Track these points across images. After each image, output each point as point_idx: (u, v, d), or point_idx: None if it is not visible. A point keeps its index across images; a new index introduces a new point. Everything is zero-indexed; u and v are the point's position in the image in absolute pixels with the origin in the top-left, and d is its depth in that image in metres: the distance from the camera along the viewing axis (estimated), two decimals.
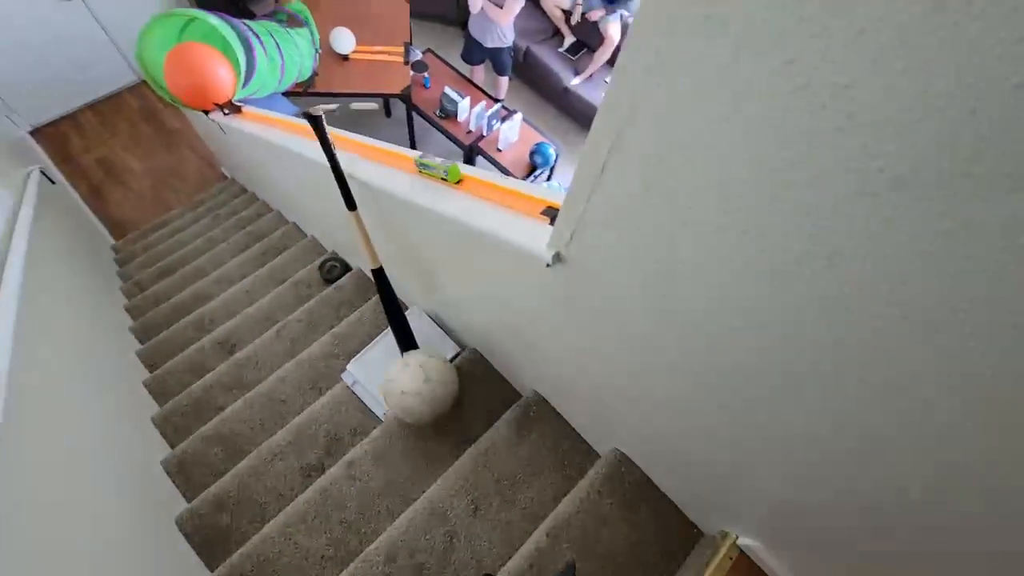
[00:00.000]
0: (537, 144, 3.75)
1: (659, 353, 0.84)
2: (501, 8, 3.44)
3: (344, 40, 3.54)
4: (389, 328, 1.78)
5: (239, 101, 2.54)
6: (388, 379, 1.59)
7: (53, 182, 3.01)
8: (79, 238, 3.13)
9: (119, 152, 4.03)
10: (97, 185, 3.89)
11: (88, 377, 1.87)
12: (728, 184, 0.55)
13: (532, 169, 3.81)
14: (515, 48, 3.93)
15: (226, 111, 2.31)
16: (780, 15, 0.42)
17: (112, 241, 3.62)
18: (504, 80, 4.19)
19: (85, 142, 4.03)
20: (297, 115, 3.54)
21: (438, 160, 1.25)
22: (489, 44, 3.78)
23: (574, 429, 1.59)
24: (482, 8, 3.48)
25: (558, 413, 1.60)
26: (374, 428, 1.72)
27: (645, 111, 0.58)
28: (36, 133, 3.99)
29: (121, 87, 4.21)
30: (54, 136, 4.01)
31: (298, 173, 2.12)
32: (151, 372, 2.22)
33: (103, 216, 3.77)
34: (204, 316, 2.41)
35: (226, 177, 3.98)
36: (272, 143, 1.97)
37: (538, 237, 0.92)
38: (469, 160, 4.05)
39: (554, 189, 4.08)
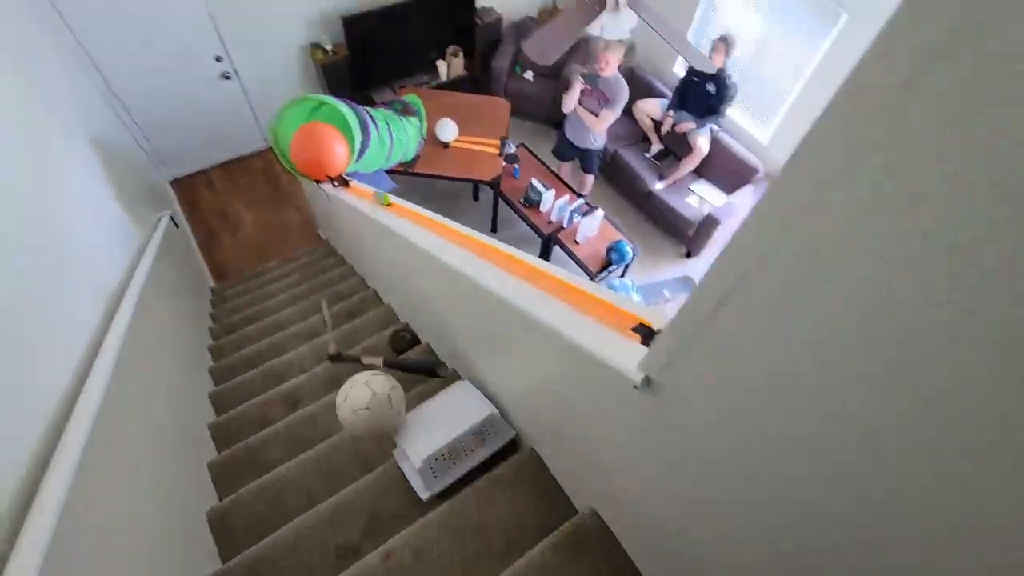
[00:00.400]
0: (615, 241, 3.78)
1: (746, 488, 0.75)
2: (596, 117, 3.62)
3: (448, 130, 3.84)
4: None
5: (348, 175, 2.78)
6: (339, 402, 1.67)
7: (177, 226, 3.35)
8: (187, 276, 3.43)
9: (236, 206, 4.48)
10: (212, 232, 4.32)
11: (167, 411, 1.95)
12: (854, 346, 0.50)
13: (607, 264, 3.81)
14: (604, 150, 4.09)
15: (335, 183, 2.52)
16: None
17: (212, 283, 3.94)
18: (590, 178, 4.34)
19: (211, 194, 4.53)
20: (395, 190, 3.82)
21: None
22: (580, 145, 3.96)
23: (635, 566, 1.41)
24: (577, 114, 3.68)
25: (617, 542, 1.44)
26: (417, 515, 1.63)
27: (774, 262, 0.54)
28: (175, 182, 4.55)
29: (251, 151, 4.76)
30: (188, 186, 4.55)
31: (387, 248, 2.23)
32: (217, 416, 2.29)
33: (211, 260, 4.14)
34: (275, 368, 2.49)
35: (320, 238, 4.28)
36: (369, 217, 2.09)
37: (626, 353, 0.86)
38: (546, 248, 4.13)
39: (624, 288, 4.05)
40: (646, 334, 0.85)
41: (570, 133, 3.93)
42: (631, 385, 0.81)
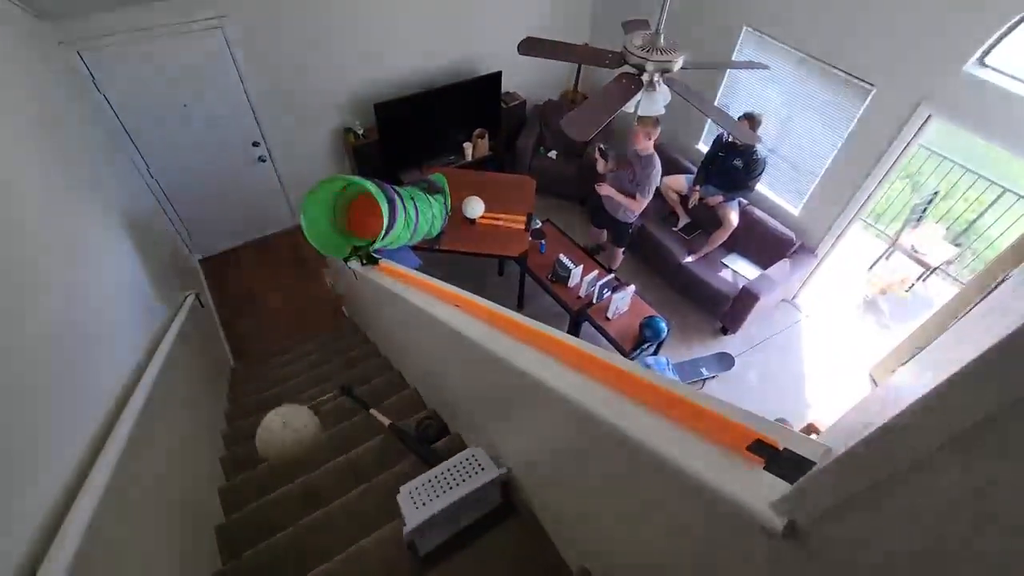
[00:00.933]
0: (649, 318, 3.59)
1: None
2: (634, 199, 3.65)
3: (474, 207, 3.83)
4: None
5: (375, 252, 2.70)
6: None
7: (203, 305, 3.29)
8: (207, 356, 3.31)
9: (263, 284, 4.46)
10: (238, 309, 4.26)
11: (171, 507, 1.74)
12: None
13: (640, 341, 3.61)
14: (632, 225, 4.03)
15: (364, 261, 2.43)
16: None
17: (232, 363, 3.81)
18: (619, 252, 4.26)
19: (239, 272, 4.53)
20: (419, 266, 3.75)
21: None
22: (612, 213, 3.96)
23: None
24: (614, 198, 3.71)
25: None
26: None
27: None
28: (204, 261, 4.57)
29: (280, 230, 4.81)
30: (217, 264, 4.56)
31: (415, 330, 2.08)
32: (226, 516, 2.05)
33: (234, 338, 4.04)
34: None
35: (345, 315, 4.18)
36: (398, 296, 1.97)
37: (743, 481, 0.66)
38: (575, 324, 3.95)
39: (660, 365, 3.80)
40: (771, 456, 0.66)
41: (607, 204, 3.93)
42: (764, 530, 0.60)
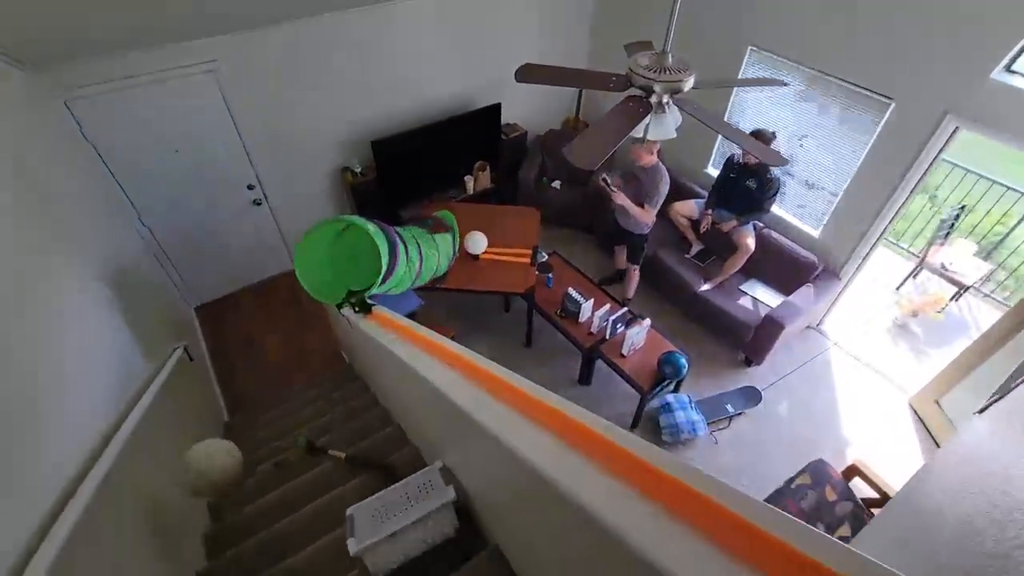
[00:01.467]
0: (667, 353, 3.35)
1: None
2: (642, 208, 3.53)
3: (478, 242, 3.66)
4: None
5: (371, 299, 2.51)
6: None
7: (192, 359, 3.10)
8: (196, 411, 3.10)
9: (260, 330, 4.28)
10: (233, 359, 4.07)
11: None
12: None
13: (659, 380, 3.35)
14: (647, 239, 3.89)
15: (357, 309, 2.24)
16: None
17: (227, 417, 3.59)
18: (635, 272, 4.08)
19: (235, 319, 4.36)
20: (421, 307, 3.55)
21: None
22: (624, 225, 3.84)
23: None
24: (624, 208, 3.57)
25: None
26: None
27: None
28: (200, 308, 4.42)
29: (277, 273, 4.66)
30: (213, 312, 4.40)
31: (408, 388, 1.86)
32: None
33: (230, 389, 3.84)
34: (276, 539, 2.03)
35: (344, 360, 3.98)
36: (392, 352, 1.76)
37: None
38: (588, 363, 3.72)
39: (682, 404, 3.52)
40: None
41: (619, 214, 3.82)
42: None
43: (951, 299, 4.21)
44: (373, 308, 2.24)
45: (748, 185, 3.71)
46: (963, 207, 4.31)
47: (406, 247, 2.94)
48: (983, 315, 4.41)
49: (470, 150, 4.68)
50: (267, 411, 3.43)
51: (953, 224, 4.30)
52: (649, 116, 1.95)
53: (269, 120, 3.79)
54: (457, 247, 3.52)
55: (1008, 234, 4.40)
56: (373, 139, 4.05)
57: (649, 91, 1.94)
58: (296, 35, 3.53)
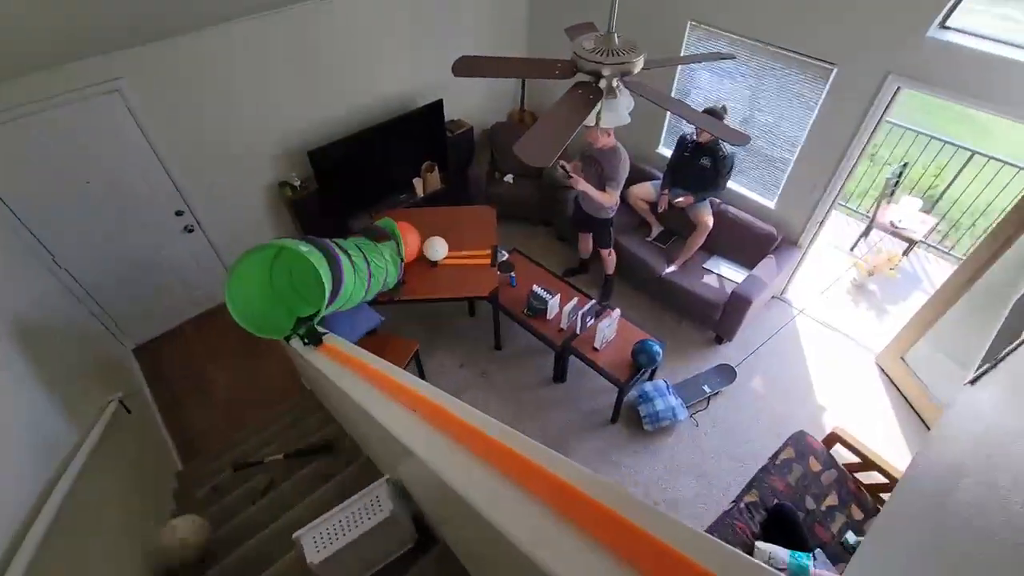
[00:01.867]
0: (641, 342, 3.27)
1: None
2: (604, 192, 3.45)
3: (437, 248, 3.50)
4: None
5: (324, 324, 2.31)
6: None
7: (129, 411, 2.80)
8: (142, 467, 2.81)
9: (209, 365, 3.97)
10: (181, 400, 3.76)
11: None
12: None
13: (636, 369, 3.28)
14: (612, 221, 3.80)
15: (306, 341, 2.03)
16: None
17: (179, 466, 3.30)
18: (607, 255, 4.03)
19: (180, 356, 4.03)
20: (381, 325, 3.36)
21: None
22: (587, 210, 3.74)
23: None
24: (586, 193, 3.49)
25: None
26: None
27: None
28: (139, 349, 4.05)
29: (222, 301, 4.32)
30: (153, 351, 4.06)
31: (367, 424, 1.69)
32: None
33: (180, 435, 3.54)
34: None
35: (305, 389, 3.73)
36: (344, 393, 1.57)
37: None
38: (561, 361, 3.61)
39: (660, 391, 3.46)
40: None
41: (581, 198, 3.73)
42: None
43: (903, 255, 4.31)
44: (323, 339, 2.03)
45: (703, 163, 3.66)
46: (905, 164, 4.41)
47: (350, 257, 2.75)
48: (933, 267, 4.55)
49: (415, 151, 4.46)
50: (219, 457, 3.15)
51: (898, 182, 4.40)
52: (600, 102, 1.82)
53: (191, 138, 3.47)
54: (402, 253, 3.34)
55: (947, 188, 4.54)
56: (309, 149, 3.78)
57: (598, 76, 1.81)
58: (210, 43, 3.22)
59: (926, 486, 1.15)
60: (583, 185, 3.42)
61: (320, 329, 2.14)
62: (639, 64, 1.79)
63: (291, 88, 3.72)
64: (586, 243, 4.18)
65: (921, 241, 4.34)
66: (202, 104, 3.40)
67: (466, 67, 2.01)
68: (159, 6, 2.71)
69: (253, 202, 4.06)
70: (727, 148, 3.61)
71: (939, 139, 4.35)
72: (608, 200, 3.47)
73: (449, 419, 1.28)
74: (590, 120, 1.87)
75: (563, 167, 3.41)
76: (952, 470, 1.03)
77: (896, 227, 4.25)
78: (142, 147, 3.31)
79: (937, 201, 4.69)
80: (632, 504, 0.89)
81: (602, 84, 1.83)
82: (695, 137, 3.68)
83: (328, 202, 4.10)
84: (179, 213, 3.71)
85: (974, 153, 4.21)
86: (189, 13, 2.96)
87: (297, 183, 4.02)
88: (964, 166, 4.31)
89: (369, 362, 1.72)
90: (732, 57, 2.13)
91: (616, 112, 1.95)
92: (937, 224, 4.48)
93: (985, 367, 1.28)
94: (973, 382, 1.29)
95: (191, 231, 3.81)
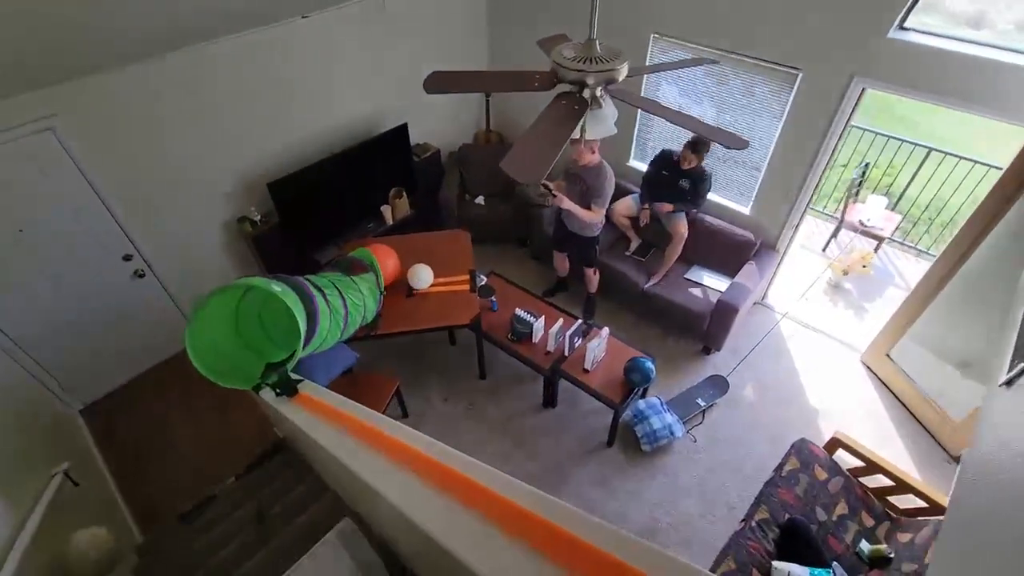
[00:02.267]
0: (633, 360, 3.16)
1: None
2: (589, 210, 3.39)
3: (422, 276, 3.36)
4: None
5: (297, 370, 2.09)
6: None
7: (77, 484, 2.48)
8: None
9: (169, 421, 3.63)
10: (139, 463, 3.40)
11: None
12: None
13: (630, 389, 3.15)
14: (598, 239, 3.72)
15: (279, 391, 1.81)
16: None
17: (139, 538, 2.96)
18: (592, 273, 3.91)
19: (135, 414, 3.68)
20: (358, 361, 3.15)
21: None
22: (571, 228, 3.64)
23: None
24: (571, 212, 3.43)
25: None
26: None
27: None
28: (88, 410, 3.68)
29: (180, 350, 4.00)
30: (105, 411, 3.69)
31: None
32: None
33: (136, 503, 3.19)
34: None
35: (281, 438, 3.44)
36: (329, 454, 1.38)
37: None
38: (550, 386, 3.45)
39: (655, 409, 3.33)
40: None
41: (564, 216, 3.63)
42: None
43: (874, 251, 4.38)
44: (298, 388, 1.82)
45: (682, 185, 3.66)
46: (867, 164, 4.52)
47: (324, 295, 2.54)
48: (902, 262, 4.65)
49: (382, 177, 4.30)
50: (185, 525, 2.83)
51: (861, 181, 4.50)
52: (587, 114, 1.72)
53: (136, 177, 3.21)
54: (382, 286, 3.15)
55: (908, 184, 4.67)
56: (269, 181, 3.57)
57: (581, 85, 1.71)
58: (151, 76, 3.00)
59: (994, 501, 1.06)
60: (568, 204, 3.35)
61: (294, 376, 1.92)
62: (623, 71, 1.71)
63: (245, 118, 3.51)
64: (563, 263, 4.08)
65: (888, 238, 4.42)
66: (147, 140, 3.15)
67: (438, 83, 1.88)
68: (91, 37, 2.49)
69: (210, 240, 3.80)
70: (707, 171, 3.62)
71: (898, 139, 4.48)
72: (594, 217, 3.42)
73: (444, 473, 1.12)
74: (575, 133, 1.77)
75: (546, 186, 3.34)
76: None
77: (865, 226, 4.32)
78: (82, 188, 3.04)
79: (899, 199, 4.82)
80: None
81: (586, 94, 1.74)
82: (679, 160, 3.60)
83: (292, 236, 3.87)
84: (127, 257, 3.42)
85: (931, 150, 4.34)
86: (126, 43, 2.75)
87: (257, 217, 3.78)
88: (922, 164, 4.44)
89: (351, 412, 1.53)
90: (713, 62, 2.08)
91: (602, 122, 1.85)
92: (901, 221, 4.58)
93: (1021, 366, 1.21)
94: (1009, 383, 1.22)
95: (142, 276, 3.52)
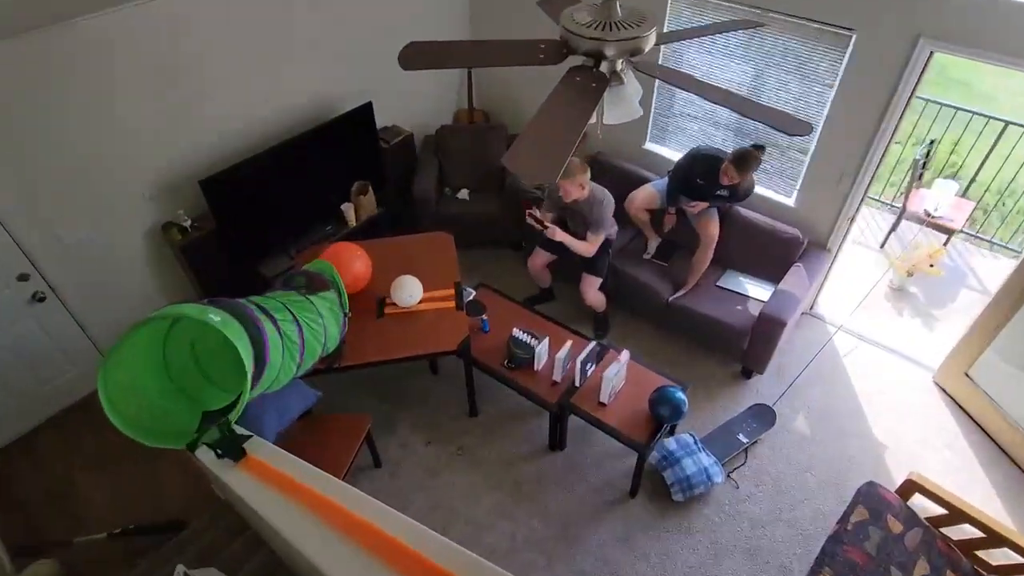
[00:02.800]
0: (660, 390, 3.10)
1: None
2: (584, 241, 3.53)
3: (411, 290, 3.32)
4: None
5: (242, 422, 2.00)
6: None
7: None
8: None
9: (79, 480, 3.51)
10: (38, 533, 3.27)
11: None
12: None
13: (657, 427, 3.10)
14: (609, 243, 3.75)
15: (220, 452, 1.71)
16: None
17: None
18: (594, 285, 3.83)
19: (34, 472, 3.55)
20: (319, 401, 3.06)
21: None
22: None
23: None
24: (565, 243, 3.55)
25: None
26: None
27: None
28: None
29: (93, 389, 3.88)
30: (2, 469, 3.55)
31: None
32: None
33: None
34: None
35: (219, 499, 3.33)
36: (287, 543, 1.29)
37: None
38: (558, 425, 3.39)
39: (687, 448, 3.27)
40: None
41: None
42: None
43: (944, 246, 4.39)
44: (246, 449, 1.72)
45: (720, 195, 3.65)
46: (932, 142, 4.53)
47: (275, 321, 2.46)
48: (975, 259, 4.66)
49: (342, 169, 4.22)
50: None
51: (925, 163, 4.51)
52: (606, 93, 1.66)
53: (29, 178, 3.09)
54: (346, 305, 3.07)
55: (982, 165, 4.69)
56: (201, 178, 3.47)
57: (598, 57, 1.65)
58: (42, 47, 2.87)
59: None
60: (561, 235, 3.46)
61: (241, 431, 1.82)
62: (651, 39, 1.65)
63: (162, 101, 3.39)
64: (543, 268, 4.04)
65: (960, 231, 4.43)
66: (39, 136, 3.03)
67: (418, 57, 1.81)
68: None
69: (129, 253, 3.69)
70: (750, 182, 3.65)
71: (968, 111, 4.50)
72: (588, 249, 3.55)
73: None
74: (593, 116, 1.70)
75: (533, 216, 3.41)
76: None
77: (932, 216, 4.32)
78: None
79: (970, 184, 4.84)
80: None
81: (604, 67, 1.68)
82: (721, 176, 3.51)
83: (231, 243, 3.78)
84: (23, 277, 3.30)
85: (1008, 124, 4.36)
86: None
87: (187, 222, 3.68)
88: (996, 141, 4.46)
89: (321, 489, 1.43)
90: (759, 24, 2.04)
91: (624, 103, 1.80)
92: (973, 209, 4.60)
93: None
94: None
95: (42, 300, 3.40)
